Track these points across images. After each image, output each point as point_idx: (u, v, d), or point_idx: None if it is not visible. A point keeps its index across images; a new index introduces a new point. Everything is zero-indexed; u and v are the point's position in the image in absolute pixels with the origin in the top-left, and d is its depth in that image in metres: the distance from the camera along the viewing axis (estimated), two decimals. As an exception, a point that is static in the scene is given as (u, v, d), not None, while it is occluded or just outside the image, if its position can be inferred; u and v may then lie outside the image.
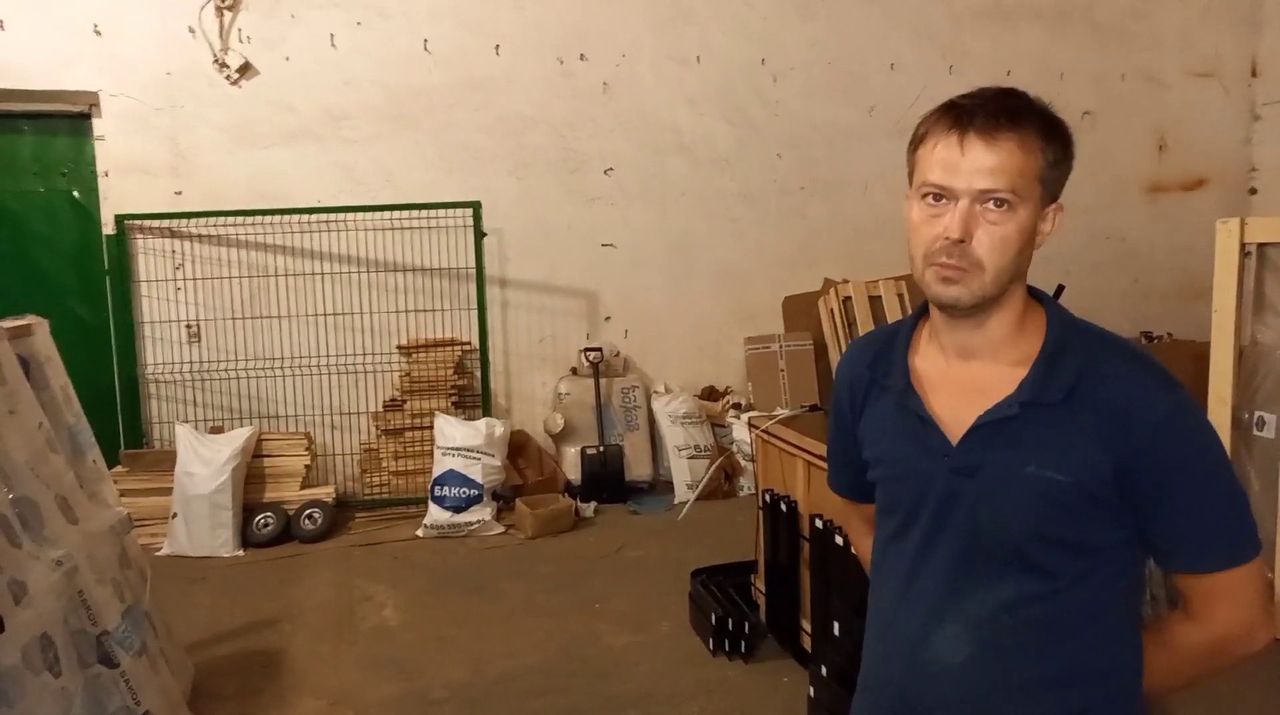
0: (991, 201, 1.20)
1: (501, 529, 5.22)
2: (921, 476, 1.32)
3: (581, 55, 6.07)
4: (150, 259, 5.59)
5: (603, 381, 5.94)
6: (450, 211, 5.77)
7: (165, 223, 5.56)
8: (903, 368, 1.37)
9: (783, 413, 4.30)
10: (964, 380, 1.31)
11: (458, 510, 5.18)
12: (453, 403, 5.77)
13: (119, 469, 5.13)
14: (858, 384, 1.45)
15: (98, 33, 5.40)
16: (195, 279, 5.63)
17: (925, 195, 1.24)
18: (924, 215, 1.24)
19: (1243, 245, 3.34)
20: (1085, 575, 1.26)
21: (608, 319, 6.29)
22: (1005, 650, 1.29)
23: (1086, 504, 1.23)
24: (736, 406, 6.17)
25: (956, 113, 1.22)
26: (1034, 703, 1.29)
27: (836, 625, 2.97)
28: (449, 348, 5.85)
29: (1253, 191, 7.26)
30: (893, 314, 5.79)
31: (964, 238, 1.20)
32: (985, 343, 1.29)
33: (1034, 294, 1.33)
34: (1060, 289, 5.78)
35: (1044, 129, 1.22)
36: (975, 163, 1.20)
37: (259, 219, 5.60)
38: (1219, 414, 3.38)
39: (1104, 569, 1.27)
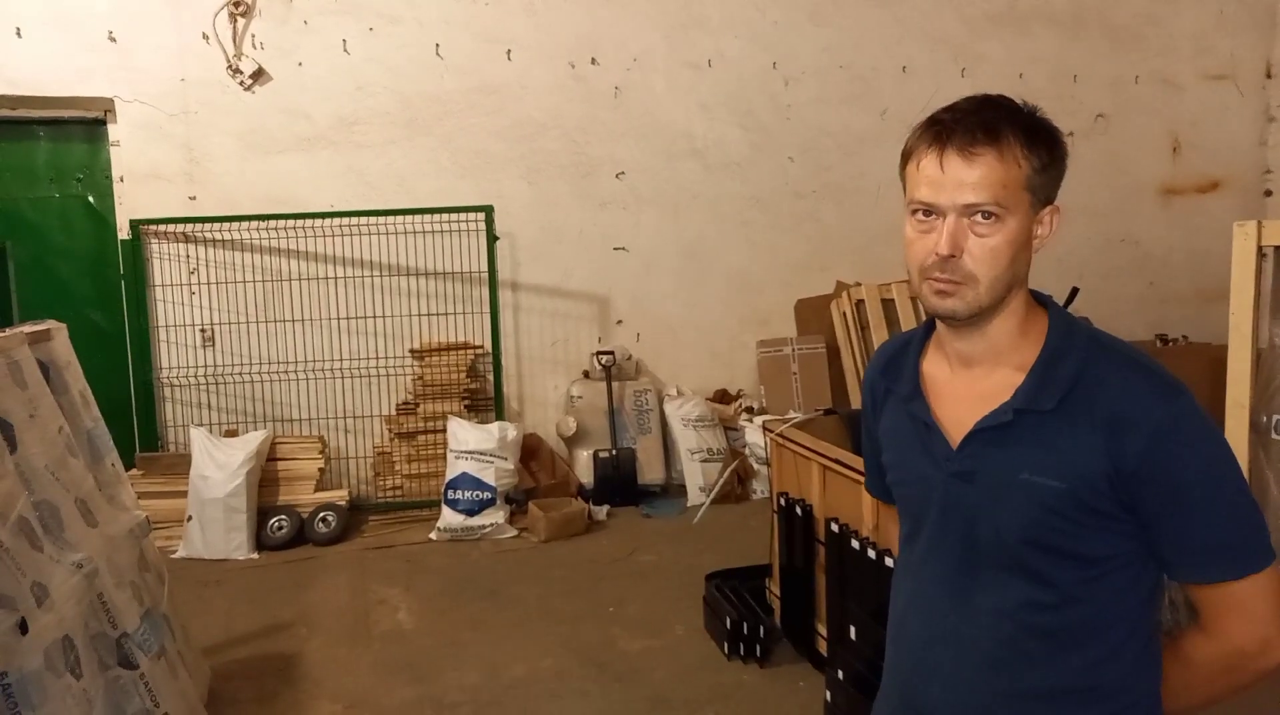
0: (978, 214, 1.21)
1: (514, 532, 5.23)
2: (926, 481, 1.34)
3: (593, 60, 6.08)
4: (165, 264, 5.62)
5: (615, 385, 5.94)
6: (463, 216, 5.78)
7: (180, 228, 5.59)
8: (912, 374, 1.38)
9: (796, 416, 4.31)
10: (968, 386, 1.32)
11: (471, 514, 5.19)
12: (465, 406, 5.78)
13: (134, 472, 5.15)
14: (876, 390, 1.49)
15: (113, 40, 5.44)
16: (209, 283, 5.66)
17: (915, 212, 1.26)
18: (916, 231, 1.26)
19: (1259, 247, 3.32)
20: (1090, 586, 1.24)
21: (619, 322, 6.30)
22: (1007, 659, 1.28)
23: (1082, 512, 1.22)
24: (749, 410, 6.16)
25: (937, 129, 1.24)
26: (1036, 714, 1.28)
27: (853, 629, 2.96)
28: (461, 351, 5.86)
29: (1268, 193, 7.22)
30: (905, 317, 5.77)
31: (954, 253, 1.22)
32: (987, 349, 1.30)
33: (1039, 298, 1.33)
34: (1074, 292, 5.75)
35: (1025, 137, 1.22)
36: (957, 178, 1.21)
37: (272, 224, 5.63)
38: (1236, 418, 3.36)
39: (1111, 580, 1.24)
